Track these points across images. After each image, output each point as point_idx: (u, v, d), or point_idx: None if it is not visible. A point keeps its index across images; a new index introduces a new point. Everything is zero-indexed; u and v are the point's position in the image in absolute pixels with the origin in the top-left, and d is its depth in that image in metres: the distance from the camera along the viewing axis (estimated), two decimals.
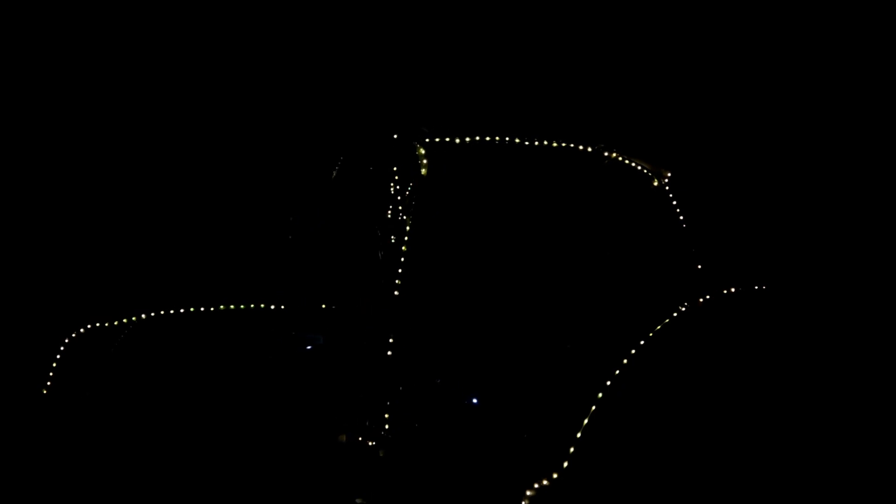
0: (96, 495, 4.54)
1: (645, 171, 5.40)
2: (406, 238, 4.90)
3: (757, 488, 4.53)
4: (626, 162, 5.34)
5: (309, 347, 4.91)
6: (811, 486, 4.56)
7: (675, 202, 5.40)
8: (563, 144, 5.23)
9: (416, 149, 5.04)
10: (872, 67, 6.94)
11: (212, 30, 6.73)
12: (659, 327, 4.73)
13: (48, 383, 4.74)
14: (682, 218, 5.39)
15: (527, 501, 4.42)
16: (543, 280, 5.14)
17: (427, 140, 5.07)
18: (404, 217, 4.96)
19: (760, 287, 4.99)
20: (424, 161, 5.02)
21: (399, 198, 5.10)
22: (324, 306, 4.88)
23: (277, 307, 4.86)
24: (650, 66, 7.02)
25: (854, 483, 4.62)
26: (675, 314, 4.78)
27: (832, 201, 6.83)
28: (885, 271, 6.46)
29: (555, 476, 4.42)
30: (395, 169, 5.06)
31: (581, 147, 5.25)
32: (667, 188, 5.43)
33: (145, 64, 6.63)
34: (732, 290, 4.96)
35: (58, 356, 4.77)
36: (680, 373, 4.70)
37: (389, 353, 4.71)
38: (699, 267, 5.35)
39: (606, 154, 5.30)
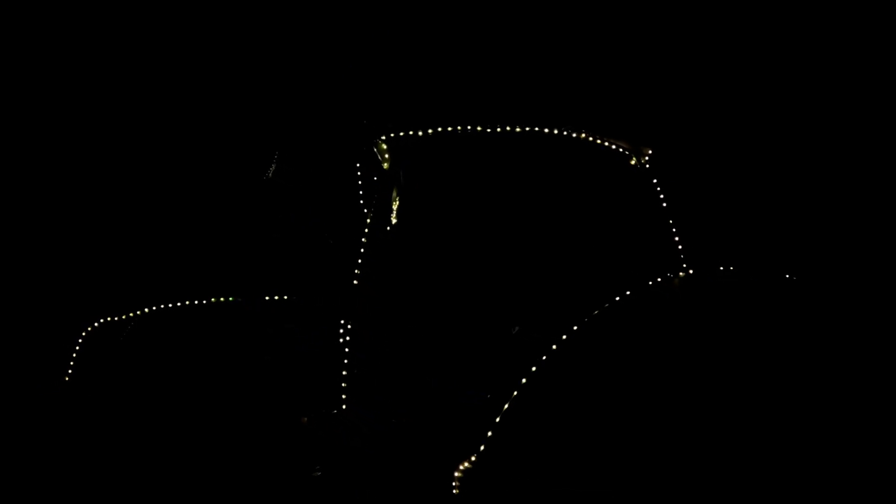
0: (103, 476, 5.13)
1: (622, 149, 5.24)
2: (367, 230, 5.10)
3: (673, 471, 4.34)
4: (598, 142, 5.21)
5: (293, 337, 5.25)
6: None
7: (654, 181, 5.21)
8: (528, 129, 5.19)
9: (378, 144, 5.21)
10: (853, 51, 6.29)
11: (206, 31, 7.10)
12: (596, 312, 4.61)
13: (69, 371, 5.39)
14: (662, 196, 5.19)
15: (457, 482, 4.49)
16: (515, 267, 5.15)
17: (391, 135, 5.22)
18: (366, 210, 5.15)
19: (724, 270, 4.73)
20: (386, 156, 5.18)
21: (361, 192, 5.30)
22: (282, 298, 5.18)
23: (246, 299, 5.23)
24: (628, 45, 6.71)
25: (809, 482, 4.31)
26: (612, 302, 4.63)
27: (815, 176, 6.24)
28: (870, 259, 5.85)
29: (473, 458, 4.45)
30: (357, 165, 5.26)
31: (547, 131, 5.18)
32: (647, 166, 5.24)
33: (144, 65, 7.04)
34: (688, 273, 4.74)
35: (76, 348, 5.40)
36: (623, 356, 4.57)
37: (347, 337, 4.94)
38: (680, 248, 5.14)
39: (575, 136, 5.20)
